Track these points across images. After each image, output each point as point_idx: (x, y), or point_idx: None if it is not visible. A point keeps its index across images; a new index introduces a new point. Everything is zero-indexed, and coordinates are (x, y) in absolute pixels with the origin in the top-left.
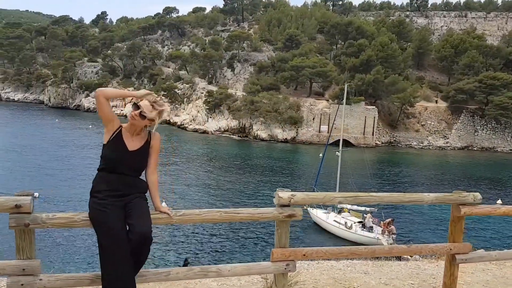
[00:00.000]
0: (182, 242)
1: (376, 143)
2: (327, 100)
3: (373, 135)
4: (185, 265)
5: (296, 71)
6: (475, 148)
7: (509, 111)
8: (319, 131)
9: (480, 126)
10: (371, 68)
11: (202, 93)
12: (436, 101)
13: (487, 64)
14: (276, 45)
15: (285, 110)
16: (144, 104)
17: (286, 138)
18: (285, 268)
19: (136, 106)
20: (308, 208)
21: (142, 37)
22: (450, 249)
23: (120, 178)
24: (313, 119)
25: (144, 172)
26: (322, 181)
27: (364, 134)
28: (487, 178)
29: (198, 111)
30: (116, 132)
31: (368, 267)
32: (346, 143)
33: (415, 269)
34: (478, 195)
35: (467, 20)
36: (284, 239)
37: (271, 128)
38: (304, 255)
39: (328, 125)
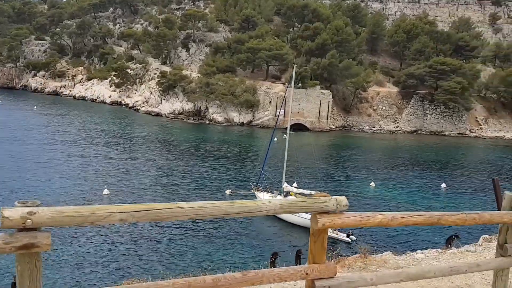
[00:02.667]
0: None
1: (330, 127)
2: (284, 84)
3: (327, 119)
4: None
5: (253, 53)
6: (424, 132)
7: (457, 96)
8: (276, 115)
9: (429, 111)
10: (327, 52)
11: (156, 73)
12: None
13: (437, 50)
14: (232, 26)
15: (242, 93)
16: None
17: (242, 122)
18: None
19: None
20: (256, 193)
21: (93, 14)
22: (306, 273)
23: None
24: (270, 102)
25: None
26: (270, 164)
27: (319, 119)
28: (433, 161)
29: (151, 93)
30: None
31: None
32: (302, 127)
33: None
34: (343, 200)
35: (420, 6)
36: None
37: (228, 111)
38: None
39: (284, 109)
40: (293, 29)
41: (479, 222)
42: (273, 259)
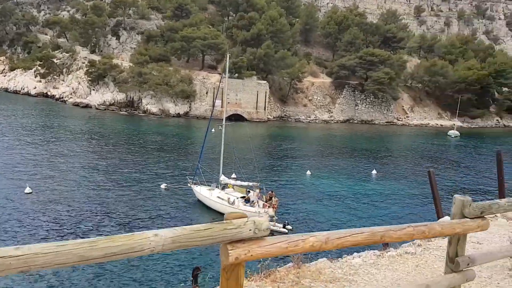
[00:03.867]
0: None
1: (268, 118)
2: (220, 74)
3: (265, 109)
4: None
5: (187, 42)
6: (356, 121)
7: (385, 86)
8: (213, 105)
9: (360, 101)
10: (262, 42)
11: (84, 63)
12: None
13: (367, 41)
14: (165, 14)
15: (177, 83)
16: None
17: (178, 113)
18: None
19: None
20: (192, 186)
21: (15, 0)
22: None
23: None
24: (207, 93)
25: None
26: (207, 156)
27: (257, 109)
28: (365, 149)
29: (79, 83)
30: None
31: None
32: (240, 118)
33: None
34: (263, 223)
35: None
36: None
37: (162, 102)
38: None
39: (221, 99)
40: (228, 18)
41: (429, 235)
42: (194, 275)
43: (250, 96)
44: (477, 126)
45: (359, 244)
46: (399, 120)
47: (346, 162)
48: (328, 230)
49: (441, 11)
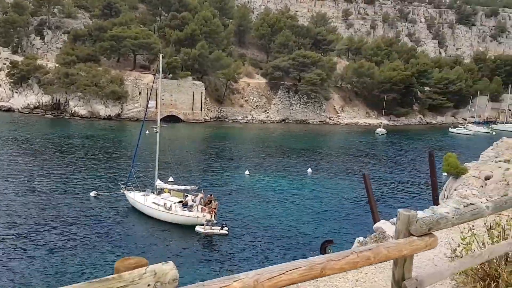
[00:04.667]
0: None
1: (205, 119)
2: (153, 74)
3: (201, 110)
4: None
5: (117, 42)
6: (291, 121)
7: (317, 87)
8: (147, 107)
9: (295, 101)
10: (196, 42)
11: (5, 64)
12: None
13: (299, 43)
14: (93, 12)
15: (107, 84)
16: None
17: (109, 115)
18: None
19: None
20: (125, 193)
21: None
22: None
23: None
24: (139, 94)
25: None
26: (141, 160)
27: (193, 110)
28: (300, 148)
29: (0, 85)
30: None
31: None
32: (176, 119)
33: None
34: (168, 271)
35: (281, 0)
36: None
37: (92, 104)
38: None
39: (156, 100)
40: (160, 18)
41: (374, 261)
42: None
43: (185, 97)
44: (402, 124)
45: (297, 282)
46: (331, 119)
47: (283, 161)
48: (265, 231)
49: (367, 14)
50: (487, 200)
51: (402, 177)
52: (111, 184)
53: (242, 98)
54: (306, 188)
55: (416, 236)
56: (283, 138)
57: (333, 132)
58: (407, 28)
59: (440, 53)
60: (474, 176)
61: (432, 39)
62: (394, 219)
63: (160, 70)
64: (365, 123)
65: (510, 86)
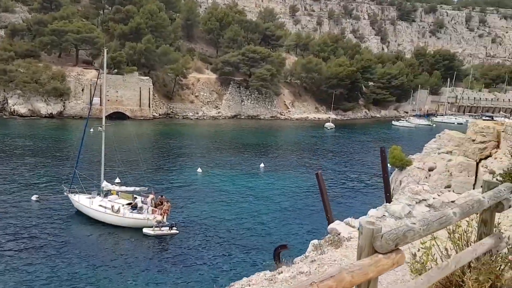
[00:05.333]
0: None
1: (154, 115)
2: (97, 69)
3: (150, 107)
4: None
5: (58, 36)
6: (243, 117)
7: (267, 82)
8: (91, 104)
9: (246, 97)
10: (142, 36)
11: None
12: None
13: (248, 39)
14: (31, 6)
15: (48, 80)
16: None
17: (51, 113)
18: None
19: None
20: (70, 196)
21: None
22: None
23: None
24: (83, 90)
25: None
26: (86, 161)
27: (140, 106)
28: (252, 144)
29: None
30: None
31: None
32: (122, 116)
33: None
34: None
35: None
36: None
37: (32, 101)
38: None
39: (100, 97)
40: (103, 11)
41: None
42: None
43: (132, 93)
44: (349, 118)
45: None
46: (282, 114)
47: (236, 157)
48: (217, 229)
49: (314, 10)
50: (439, 195)
51: (353, 173)
52: (54, 187)
53: (192, 93)
54: (259, 184)
55: (382, 254)
56: (235, 134)
57: (284, 127)
58: (352, 24)
59: (382, 49)
60: (418, 168)
61: (375, 35)
62: (349, 219)
63: (105, 65)
64: (315, 118)
65: (448, 80)
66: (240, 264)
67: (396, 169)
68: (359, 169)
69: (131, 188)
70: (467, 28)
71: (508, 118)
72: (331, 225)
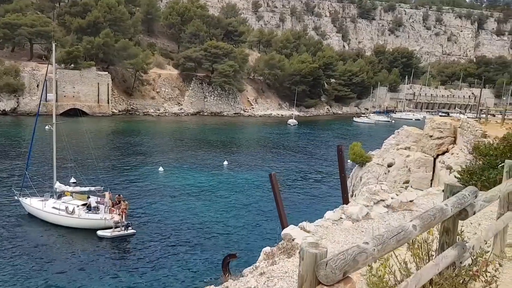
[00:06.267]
0: None
1: (113, 112)
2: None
3: (109, 103)
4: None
5: (11, 30)
6: (205, 114)
7: (230, 79)
8: (46, 100)
9: (209, 93)
10: (100, 30)
11: None
12: None
13: (210, 34)
14: None
15: (0, 76)
16: None
17: (4, 110)
18: None
19: None
20: (21, 199)
21: None
22: None
23: None
24: (38, 86)
25: None
26: (38, 162)
27: (99, 103)
28: (216, 141)
29: None
30: None
31: None
32: (80, 113)
33: None
34: None
35: None
36: None
37: None
38: None
39: (55, 93)
40: (59, 4)
41: None
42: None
43: (90, 88)
44: (311, 114)
45: None
46: (245, 111)
47: (199, 155)
48: (175, 229)
49: (276, 7)
50: (397, 195)
51: (313, 172)
52: (4, 190)
53: (153, 89)
54: (223, 181)
55: (327, 286)
56: (198, 131)
57: (247, 124)
58: (313, 21)
59: (344, 46)
60: (378, 164)
61: (337, 32)
62: (304, 223)
63: (54, 60)
64: (278, 114)
65: (406, 77)
66: (191, 270)
67: (357, 165)
68: (319, 168)
69: (86, 188)
70: (424, 26)
71: (463, 114)
72: (285, 230)
